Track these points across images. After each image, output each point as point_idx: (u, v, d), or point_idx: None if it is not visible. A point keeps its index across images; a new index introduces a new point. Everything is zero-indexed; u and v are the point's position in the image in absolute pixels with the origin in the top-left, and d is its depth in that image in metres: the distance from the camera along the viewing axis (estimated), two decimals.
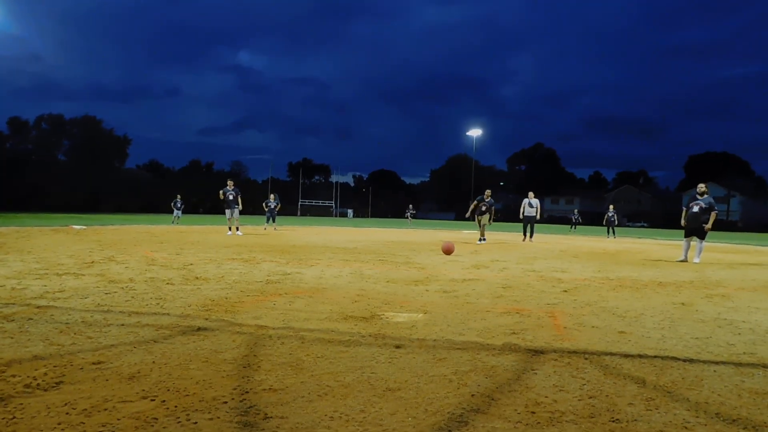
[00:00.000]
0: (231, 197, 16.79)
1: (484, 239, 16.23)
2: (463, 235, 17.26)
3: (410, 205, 41.42)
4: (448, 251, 9.38)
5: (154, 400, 2.18)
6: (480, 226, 16.38)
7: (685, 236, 10.90)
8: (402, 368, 2.76)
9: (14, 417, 1.96)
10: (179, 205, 27.65)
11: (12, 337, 3.09)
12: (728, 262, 11.37)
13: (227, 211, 16.83)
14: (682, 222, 10.87)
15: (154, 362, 2.70)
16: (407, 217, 40.92)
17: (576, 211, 37.40)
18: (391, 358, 2.94)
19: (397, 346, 3.21)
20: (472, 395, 2.38)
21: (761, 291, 6.54)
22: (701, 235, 10.54)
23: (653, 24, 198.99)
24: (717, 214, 10.80)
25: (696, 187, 10.89)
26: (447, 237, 17.76)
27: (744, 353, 3.34)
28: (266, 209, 22.62)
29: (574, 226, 35.93)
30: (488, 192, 16.21)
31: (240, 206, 16.96)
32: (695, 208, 10.55)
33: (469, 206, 16.58)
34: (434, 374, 2.68)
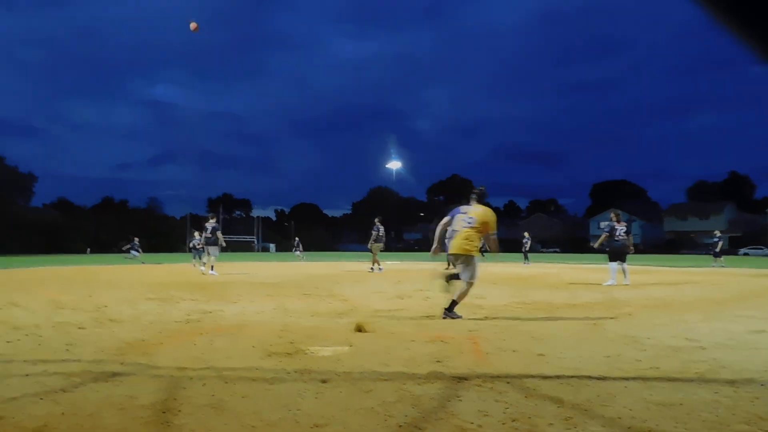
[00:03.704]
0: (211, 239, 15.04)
1: (381, 269, 16.85)
2: (386, 264, 17.49)
3: (296, 239, 35.08)
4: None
5: None
6: (375, 255, 17.08)
7: (611, 260, 11.71)
8: (328, 403, 2.73)
9: None
10: (137, 247, 25.93)
11: None
12: (632, 282, 12.15)
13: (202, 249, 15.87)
14: (596, 245, 11.79)
15: (62, 414, 2.51)
16: (294, 252, 33.66)
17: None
18: (317, 393, 2.90)
19: (323, 381, 3.17)
20: (399, 426, 2.39)
21: (661, 308, 7.03)
22: (624, 258, 11.49)
23: (552, 63, 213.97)
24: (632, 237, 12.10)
25: (610, 214, 11.85)
26: (363, 266, 17.85)
27: (649, 368, 3.57)
28: (195, 246, 21.21)
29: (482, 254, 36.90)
30: (376, 220, 17.06)
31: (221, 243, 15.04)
32: (622, 233, 11.50)
33: (369, 238, 17.19)
34: (360, 407, 2.67)
